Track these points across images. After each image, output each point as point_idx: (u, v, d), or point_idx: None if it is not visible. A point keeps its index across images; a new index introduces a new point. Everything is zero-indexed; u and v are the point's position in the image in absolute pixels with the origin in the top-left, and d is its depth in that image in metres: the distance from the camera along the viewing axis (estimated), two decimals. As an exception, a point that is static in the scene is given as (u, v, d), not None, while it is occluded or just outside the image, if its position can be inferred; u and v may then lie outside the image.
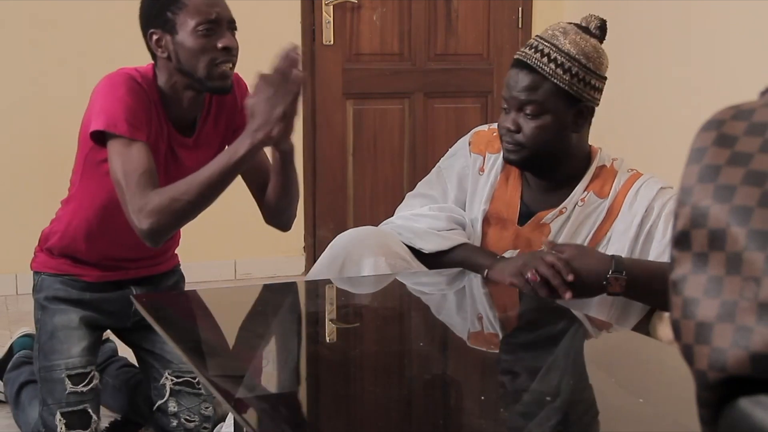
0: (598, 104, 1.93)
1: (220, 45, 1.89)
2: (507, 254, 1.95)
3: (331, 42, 4.03)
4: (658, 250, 1.87)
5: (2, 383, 2.43)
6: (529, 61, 1.85)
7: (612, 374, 1.39)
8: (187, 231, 2.34)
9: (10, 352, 2.47)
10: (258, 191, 2.09)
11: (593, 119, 1.95)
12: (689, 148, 0.69)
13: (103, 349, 2.39)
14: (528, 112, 1.85)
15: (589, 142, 2.00)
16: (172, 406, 2.14)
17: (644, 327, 1.90)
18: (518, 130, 1.87)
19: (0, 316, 3.35)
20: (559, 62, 1.83)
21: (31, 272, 2.21)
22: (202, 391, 2.17)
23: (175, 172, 1.99)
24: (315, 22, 4.01)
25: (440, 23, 4.21)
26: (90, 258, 2.13)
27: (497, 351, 1.56)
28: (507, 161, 1.94)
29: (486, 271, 1.87)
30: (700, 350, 0.63)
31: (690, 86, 3.58)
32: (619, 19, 3.94)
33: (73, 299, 2.13)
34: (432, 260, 1.94)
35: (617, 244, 1.89)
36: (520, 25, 4.29)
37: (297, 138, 3.97)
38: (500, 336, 1.66)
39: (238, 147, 1.77)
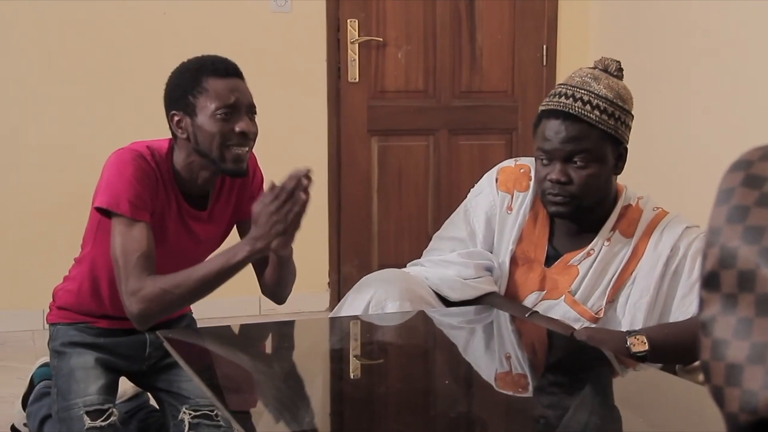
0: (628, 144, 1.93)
1: (237, 129, 1.95)
2: (532, 296, 1.93)
3: (357, 79, 4.06)
4: (684, 290, 1.85)
5: (26, 415, 2.44)
6: (571, 111, 1.82)
7: (641, 414, 1.37)
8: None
9: (32, 384, 2.48)
10: (257, 266, 2.15)
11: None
12: (717, 189, 0.69)
13: (138, 398, 2.42)
14: (577, 161, 1.83)
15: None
16: None
17: (672, 367, 1.88)
18: (569, 181, 1.84)
19: (26, 351, 3.37)
20: (602, 108, 1.82)
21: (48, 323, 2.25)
22: (222, 423, 2.17)
23: (188, 244, 2.06)
24: (341, 60, 4.04)
25: (465, 60, 4.23)
26: (103, 313, 2.18)
27: (524, 390, 1.55)
28: (557, 215, 1.90)
29: (529, 315, 1.86)
30: (730, 392, 0.62)
31: (717, 124, 3.56)
32: (645, 56, 3.95)
33: (88, 343, 2.16)
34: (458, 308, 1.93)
35: (642, 284, 1.87)
36: (544, 63, 4.30)
37: (322, 174, 4.03)
38: (527, 375, 1.65)
39: (237, 251, 1.84)
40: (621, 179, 2.01)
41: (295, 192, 1.82)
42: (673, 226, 1.90)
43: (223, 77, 1.96)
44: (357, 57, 4.04)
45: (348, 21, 4.02)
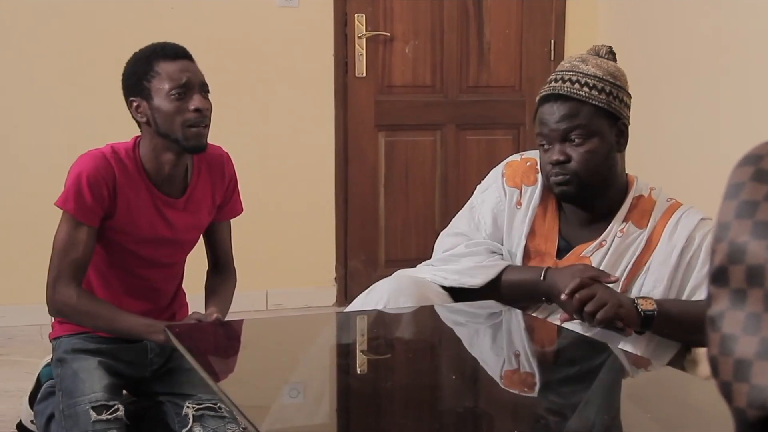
0: (629, 124, 1.93)
1: (192, 107, 2.05)
2: None
3: (364, 74, 4.06)
4: (697, 281, 1.85)
5: (33, 414, 2.44)
6: (561, 92, 1.86)
7: (648, 410, 1.37)
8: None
9: (39, 382, 2.49)
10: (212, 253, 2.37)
11: (633, 144, 1.95)
12: (726, 184, 0.68)
13: None
14: (574, 138, 1.85)
15: (626, 168, 1.99)
16: (197, 430, 2.14)
17: (679, 363, 1.87)
18: (568, 159, 1.86)
19: (34, 346, 3.38)
20: (591, 84, 1.85)
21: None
22: (226, 414, 2.17)
23: (164, 231, 2.16)
24: (348, 55, 4.04)
25: (472, 55, 4.22)
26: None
27: (532, 386, 1.55)
28: (561, 196, 1.91)
29: (544, 274, 1.86)
30: (738, 388, 0.62)
31: (724, 121, 3.55)
32: (651, 51, 3.94)
33: (91, 349, 2.20)
34: (485, 294, 1.93)
35: (656, 275, 1.87)
36: (552, 57, 4.29)
37: (329, 169, 4.02)
38: (535, 371, 1.64)
39: (155, 333, 2.04)
40: (632, 171, 2.00)
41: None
42: (688, 217, 1.90)
43: (173, 60, 2.07)
44: (364, 52, 4.04)
45: (355, 16, 4.01)
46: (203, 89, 2.10)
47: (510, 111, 4.30)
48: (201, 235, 2.32)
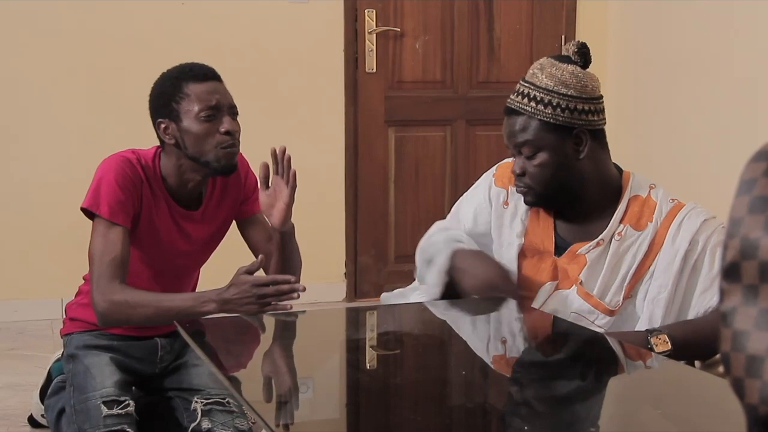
0: (599, 125, 1.90)
1: (222, 129, 2.04)
2: (546, 286, 1.92)
3: (374, 70, 4.06)
4: (704, 285, 1.83)
5: (44, 408, 2.45)
6: (512, 106, 1.90)
7: (658, 406, 1.36)
8: (228, 257, 2.38)
9: (49, 377, 2.50)
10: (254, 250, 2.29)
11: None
12: (738, 179, 0.68)
13: None
14: (524, 153, 1.88)
15: (628, 169, 1.98)
16: (206, 425, 2.15)
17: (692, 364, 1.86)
18: (523, 173, 1.90)
19: (45, 340, 3.39)
20: (538, 99, 1.86)
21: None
22: (234, 408, 2.18)
23: (181, 242, 2.16)
24: (358, 51, 4.04)
25: (483, 51, 4.22)
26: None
27: (541, 382, 1.55)
28: (528, 205, 1.96)
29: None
30: (751, 384, 0.62)
31: (736, 117, 3.53)
32: (665, 45, 3.92)
33: (103, 345, 2.21)
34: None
35: (661, 279, 1.85)
36: (562, 53, 4.27)
37: (339, 165, 4.03)
38: (545, 366, 1.64)
39: (206, 304, 1.96)
40: (637, 171, 1.99)
41: (282, 294, 1.94)
42: (690, 219, 1.88)
43: (202, 81, 2.06)
44: (374, 47, 4.03)
45: (366, 11, 4.01)
46: (232, 111, 2.09)
47: (520, 107, 4.28)
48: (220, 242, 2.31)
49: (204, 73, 2.07)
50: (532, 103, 1.86)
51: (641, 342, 1.74)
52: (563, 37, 4.28)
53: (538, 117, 1.85)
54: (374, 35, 4.03)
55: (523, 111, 1.87)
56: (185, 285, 2.29)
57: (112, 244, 2.02)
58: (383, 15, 4.04)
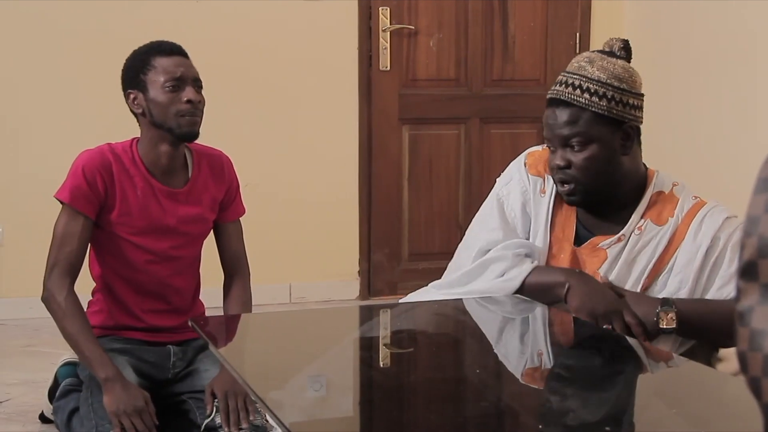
0: (641, 122, 1.91)
1: (184, 98, 2.17)
2: None
3: (388, 68, 4.05)
4: (723, 280, 1.83)
5: (53, 409, 2.46)
6: (563, 97, 1.86)
7: (674, 406, 1.35)
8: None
9: (56, 380, 2.51)
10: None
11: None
12: (756, 178, 0.67)
13: None
14: (574, 145, 1.85)
15: (649, 166, 1.97)
16: (219, 420, 2.16)
17: (707, 358, 1.86)
18: (568, 165, 1.87)
19: (61, 338, 3.40)
20: (592, 91, 1.83)
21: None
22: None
23: (167, 220, 2.25)
24: (372, 48, 4.04)
25: (497, 49, 4.21)
26: (135, 325, 2.33)
27: (556, 380, 1.54)
28: (571, 204, 1.92)
29: (566, 290, 1.84)
30: (768, 384, 0.61)
31: (752, 115, 3.51)
32: (681, 42, 3.90)
33: (117, 348, 2.26)
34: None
35: (681, 275, 1.85)
36: (577, 51, 4.25)
37: (353, 163, 4.02)
38: (560, 366, 1.63)
39: (104, 368, 2.10)
40: (658, 167, 1.98)
41: None
42: (712, 216, 1.87)
43: (169, 55, 2.20)
44: (388, 45, 4.03)
45: (380, 9, 4.01)
46: (196, 84, 2.21)
47: (534, 104, 4.26)
48: (210, 233, 2.37)
49: (171, 48, 2.22)
50: (586, 95, 1.83)
51: (650, 309, 1.78)
52: (578, 35, 4.27)
53: (592, 108, 1.83)
54: (388, 33, 4.02)
55: (576, 102, 1.84)
56: (181, 272, 2.32)
57: (71, 236, 2.18)
58: (397, 13, 4.04)
